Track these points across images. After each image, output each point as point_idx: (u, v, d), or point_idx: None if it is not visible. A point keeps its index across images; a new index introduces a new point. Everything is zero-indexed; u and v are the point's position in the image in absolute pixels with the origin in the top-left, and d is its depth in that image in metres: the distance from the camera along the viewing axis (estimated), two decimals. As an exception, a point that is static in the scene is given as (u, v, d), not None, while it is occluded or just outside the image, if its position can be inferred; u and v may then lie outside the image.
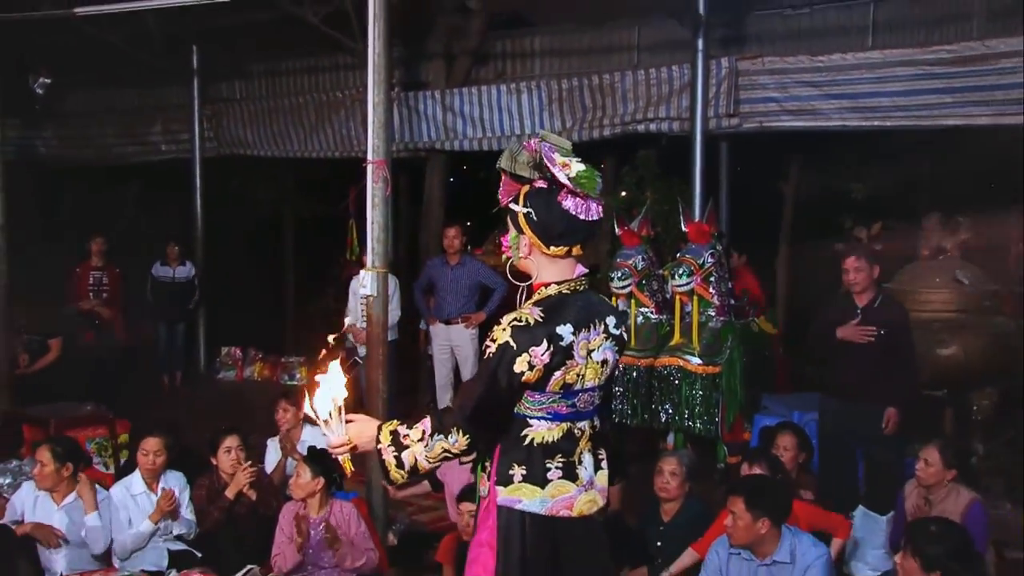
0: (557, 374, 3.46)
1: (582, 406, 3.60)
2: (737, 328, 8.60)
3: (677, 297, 8.53)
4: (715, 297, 8.44)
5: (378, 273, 6.91)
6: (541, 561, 3.56)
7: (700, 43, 9.69)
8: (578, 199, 3.50)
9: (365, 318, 7.18)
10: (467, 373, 9.76)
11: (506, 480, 3.55)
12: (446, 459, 3.52)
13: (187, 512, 6.72)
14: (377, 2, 6.90)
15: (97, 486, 6.77)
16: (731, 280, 8.82)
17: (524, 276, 3.71)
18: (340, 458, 3.63)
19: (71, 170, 15.43)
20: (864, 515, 6.76)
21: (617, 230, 9.16)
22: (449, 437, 3.42)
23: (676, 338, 8.59)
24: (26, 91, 12.32)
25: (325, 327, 10.23)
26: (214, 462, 6.86)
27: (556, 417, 3.56)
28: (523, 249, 3.64)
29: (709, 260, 8.40)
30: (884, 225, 10.27)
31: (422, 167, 12.55)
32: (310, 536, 6.17)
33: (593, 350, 3.55)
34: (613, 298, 8.92)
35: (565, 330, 3.44)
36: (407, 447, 3.47)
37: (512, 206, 3.64)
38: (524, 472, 3.54)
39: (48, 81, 12.95)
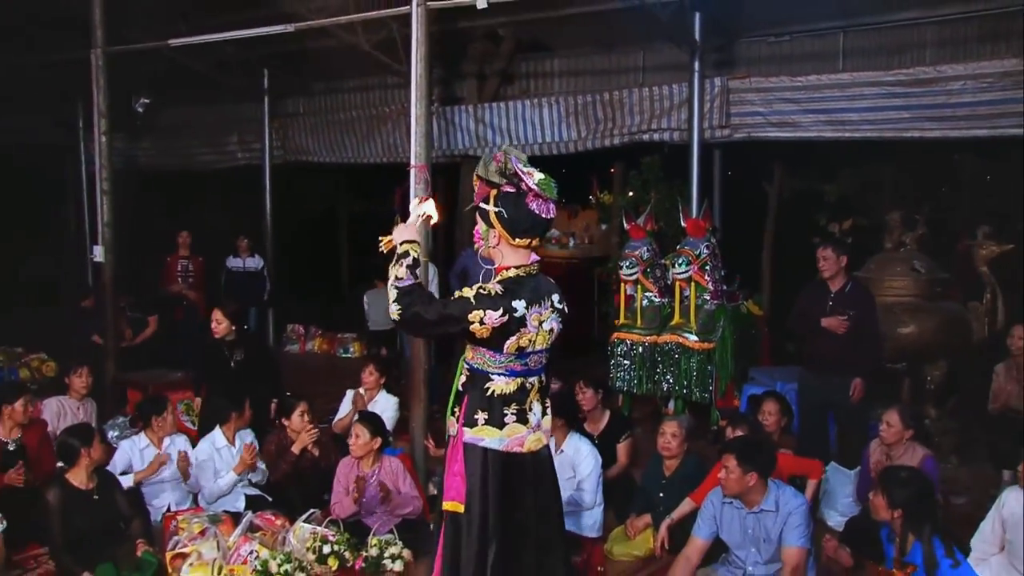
0: (512, 339, 3.86)
1: (532, 365, 4.03)
2: (729, 310, 8.64)
3: (677, 283, 8.55)
4: (710, 283, 8.47)
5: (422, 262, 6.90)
6: (499, 485, 3.97)
7: (696, 65, 9.68)
8: (540, 200, 3.91)
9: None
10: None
11: (472, 423, 3.98)
12: (391, 298, 3.84)
13: (259, 463, 6.80)
14: (420, 31, 6.91)
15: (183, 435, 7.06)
16: (723, 268, 8.79)
17: (490, 261, 4.10)
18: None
19: (164, 175, 15.50)
20: (835, 470, 6.89)
21: (625, 225, 9.19)
22: (395, 304, 3.81)
23: (676, 319, 8.61)
24: (129, 110, 12.46)
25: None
26: (285, 423, 6.91)
27: (512, 373, 3.98)
28: (492, 240, 4.00)
29: (704, 251, 8.45)
30: (854, 222, 10.25)
31: (457, 171, 12.57)
32: (365, 489, 6.21)
33: (543, 321, 3.95)
34: (622, 283, 8.94)
35: (519, 304, 3.83)
36: (398, 265, 3.88)
37: (484, 205, 4.00)
38: (486, 417, 3.96)
39: (147, 101, 13.11)
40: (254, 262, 11.63)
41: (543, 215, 3.92)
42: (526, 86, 12.35)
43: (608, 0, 9.94)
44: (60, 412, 7.65)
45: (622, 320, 9.03)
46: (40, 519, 5.75)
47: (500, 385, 3.98)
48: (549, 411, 4.18)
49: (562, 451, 6.36)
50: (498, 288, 3.84)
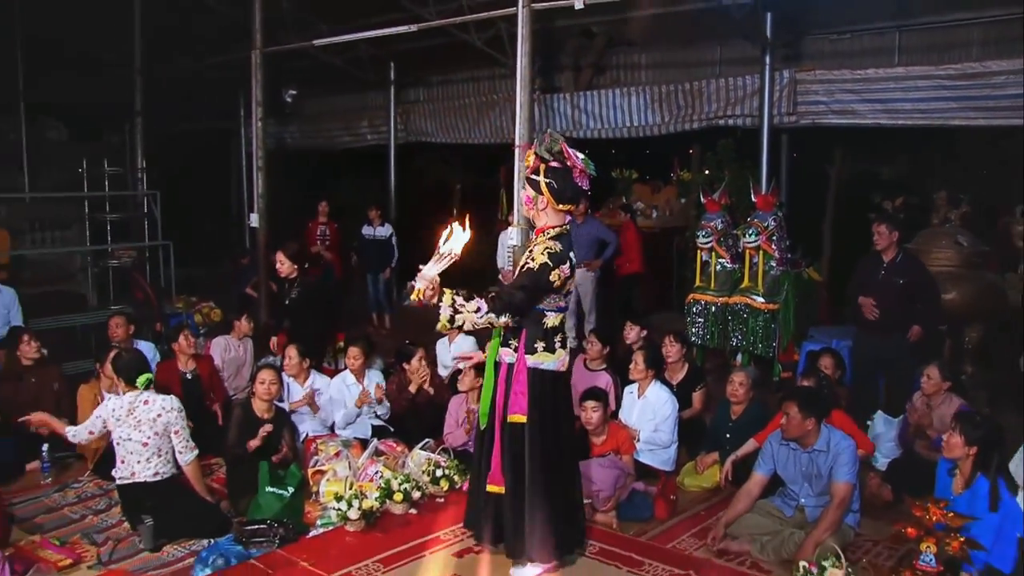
0: (568, 283, 4.39)
1: (567, 303, 4.55)
2: (792, 276, 8.50)
3: (747, 251, 8.45)
4: (776, 252, 8.34)
5: (521, 229, 6.95)
6: (552, 399, 4.46)
7: (767, 59, 9.51)
8: (582, 176, 4.36)
9: (511, 263, 7.21)
10: (587, 305, 9.74)
11: (532, 351, 4.40)
12: (489, 325, 4.26)
13: (384, 400, 6.95)
14: (524, 29, 6.92)
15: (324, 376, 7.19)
16: (788, 239, 8.65)
17: (532, 223, 4.59)
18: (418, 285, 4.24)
19: (307, 154, 15.82)
20: (881, 417, 6.77)
21: (702, 199, 9.09)
22: (500, 317, 4.21)
23: (745, 282, 8.52)
24: (280, 100, 12.72)
25: (481, 268, 10.31)
26: (405, 366, 7.02)
27: (559, 310, 4.47)
28: (541, 204, 4.39)
29: (772, 224, 8.31)
30: (904, 200, 10.03)
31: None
32: (469, 412, 6.36)
33: (574, 267, 4.46)
34: (699, 251, 8.88)
35: (571, 255, 4.38)
36: (460, 313, 4.16)
37: (535, 176, 4.37)
38: (543, 345, 4.41)
39: (294, 92, 13.42)
40: (384, 230, 11.74)
41: (583, 186, 4.40)
42: (616, 76, 12.23)
43: (689, 1, 9.81)
44: (226, 348, 7.93)
45: (698, 283, 8.97)
46: (217, 434, 6.17)
47: (552, 319, 4.44)
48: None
49: (645, 396, 6.37)
50: (556, 245, 4.29)
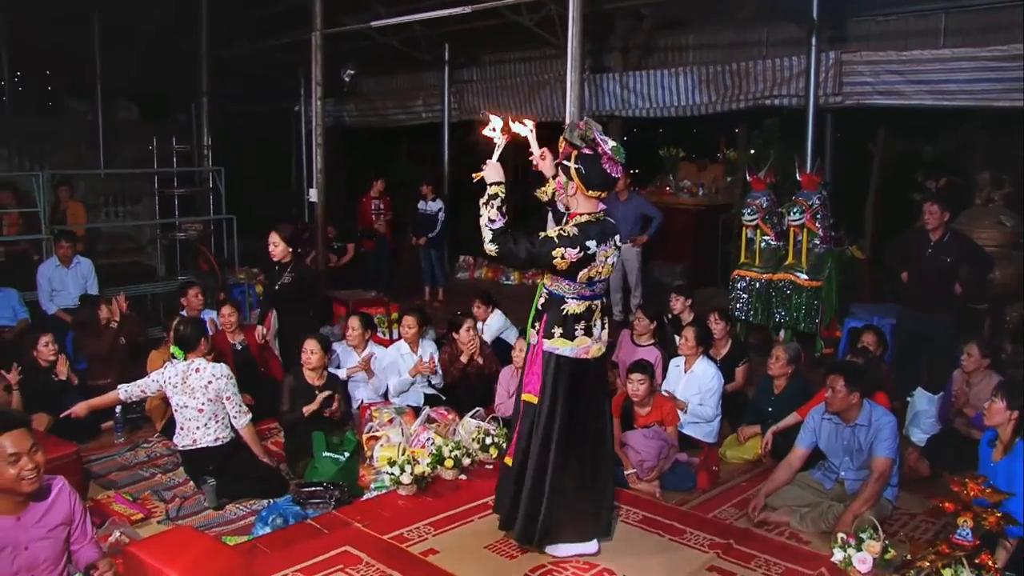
0: (584, 271, 4.15)
1: (598, 290, 4.35)
2: (835, 253, 8.40)
3: (791, 229, 8.34)
4: (820, 230, 8.24)
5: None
6: (568, 385, 4.29)
7: (813, 40, 9.28)
8: (612, 163, 4.18)
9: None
10: (633, 279, 9.69)
11: (549, 335, 4.28)
12: (485, 233, 4.10)
13: (438, 370, 6.97)
14: (575, 10, 6.85)
15: (379, 346, 7.27)
16: (831, 217, 8.50)
17: (562, 209, 4.49)
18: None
19: (364, 131, 15.87)
20: (921, 394, 6.67)
21: (748, 178, 9.02)
22: (490, 244, 4.08)
23: (789, 259, 8.43)
24: (338, 79, 12.79)
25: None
26: (455, 336, 7.03)
27: (582, 297, 4.28)
28: (571, 190, 4.25)
29: (816, 202, 8.20)
30: (948, 180, 9.85)
31: (605, 129, 12.42)
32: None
33: (608, 256, 4.24)
34: (744, 228, 8.78)
35: (591, 243, 4.12)
36: (488, 206, 4.11)
37: (566, 163, 4.22)
38: (561, 331, 4.26)
39: (352, 72, 13.42)
40: (435, 205, 11.77)
41: (613, 175, 4.20)
42: (664, 57, 12.10)
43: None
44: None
45: (743, 259, 8.88)
46: (273, 401, 6.24)
47: (573, 306, 4.26)
48: (607, 325, 4.46)
49: (692, 371, 6.34)
50: (574, 230, 4.11)
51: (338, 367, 6.90)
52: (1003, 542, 4.21)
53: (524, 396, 4.38)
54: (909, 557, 4.13)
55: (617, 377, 6.89)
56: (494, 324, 7.90)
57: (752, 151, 11.41)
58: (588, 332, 4.30)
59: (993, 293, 7.96)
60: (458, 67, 14.11)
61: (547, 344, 4.28)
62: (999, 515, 3.94)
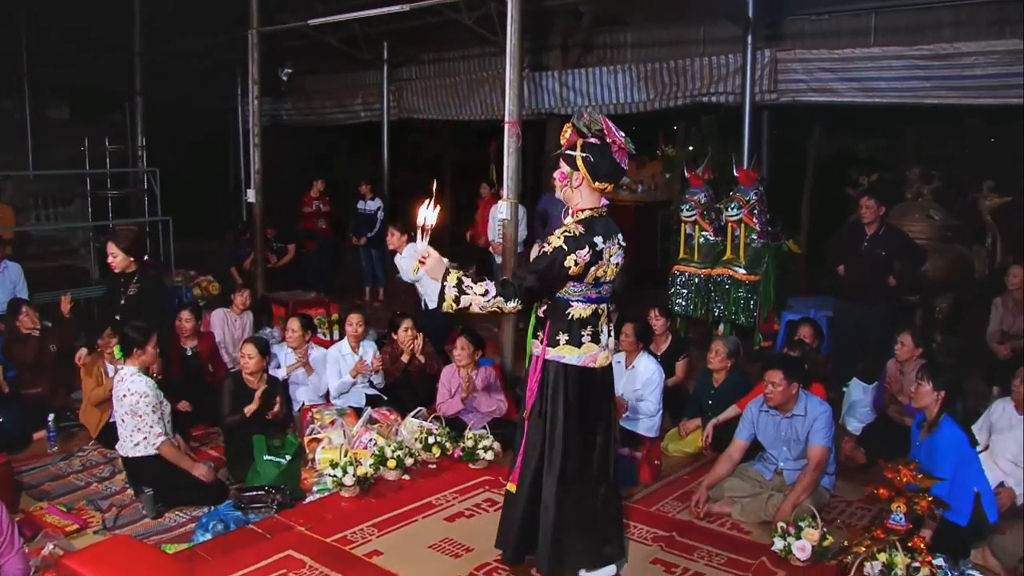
0: (592, 270, 3.78)
1: (604, 292, 3.94)
2: (772, 248, 8.54)
3: (729, 224, 8.48)
4: (757, 225, 8.38)
5: (511, 203, 6.91)
6: (576, 395, 3.91)
7: (749, 38, 9.39)
8: (621, 153, 3.85)
9: (502, 235, 7.18)
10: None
11: (554, 343, 3.90)
12: (498, 311, 3.71)
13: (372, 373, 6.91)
14: (514, 8, 6.83)
15: (320, 347, 7.16)
16: (768, 212, 8.63)
17: (561, 203, 4.10)
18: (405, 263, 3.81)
19: (302, 131, 15.72)
20: (856, 384, 6.80)
21: (686, 174, 9.13)
22: (508, 302, 3.65)
23: (728, 254, 8.55)
24: (275, 78, 12.62)
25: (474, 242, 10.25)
26: (395, 336, 6.99)
27: (588, 300, 3.89)
28: (576, 181, 3.88)
29: (753, 197, 8.34)
30: (880, 175, 10.09)
31: (544, 127, 12.52)
32: (469, 377, 6.39)
33: (612, 255, 3.87)
34: (683, 224, 8.88)
35: (599, 240, 3.78)
36: (467, 295, 3.63)
37: (571, 152, 3.87)
38: (567, 338, 3.88)
39: (289, 70, 13.29)
40: (373, 204, 11.69)
41: (622, 165, 3.89)
42: (603, 55, 12.14)
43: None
44: (224, 321, 7.89)
45: (681, 255, 8.98)
46: (217, 406, 6.08)
47: (579, 310, 3.87)
48: (612, 331, 4.10)
49: (633, 367, 6.38)
50: (579, 228, 3.76)
51: (278, 369, 6.82)
52: (929, 521, 4.36)
53: (526, 412, 4.02)
54: (846, 543, 4.23)
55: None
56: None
57: (690, 148, 11.53)
58: (595, 339, 3.93)
59: (924, 285, 8.18)
60: (397, 65, 14.02)
61: (551, 353, 3.91)
62: (930, 499, 4.06)
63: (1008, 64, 8.25)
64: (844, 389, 6.89)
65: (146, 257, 6.85)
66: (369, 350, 6.93)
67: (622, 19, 11.81)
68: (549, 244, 3.77)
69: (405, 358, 6.90)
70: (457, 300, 3.65)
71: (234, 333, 7.86)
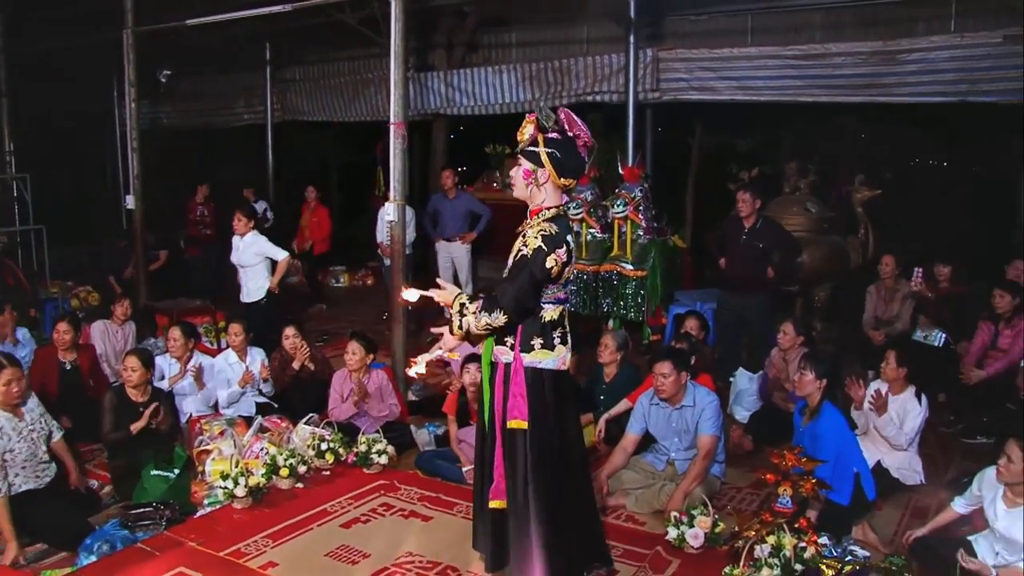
0: (567, 270, 3.74)
1: (568, 292, 3.89)
2: (658, 243, 8.62)
3: (615, 221, 8.52)
4: (643, 221, 8.45)
5: (398, 204, 6.86)
6: (554, 401, 3.81)
7: (631, 38, 9.55)
8: (585, 149, 3.81)
9: (389, 237, 7.12)
10: (464, 276, 9.68)
11: (528, 349, 3.76)
12: (488, 328, 3.67)
13: (260, 378, 6.74)
14: (397, 8, 6.77)
15: (205, 355, 6.95)
16: (654, 208, 8.78)
17: (522, 203, 3.91)
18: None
19: (183, 134, 15.25)
20: (742, 374, 7.00)
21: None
22: (493, 316, 3.61)
23: (615, 251, 8.60)
24: (154, 80, 12.21)
25: (361, 244, 10.16)
26: (285, 342, 6.86)
27: (558, 301, 3.81)
28: (542, 178, 3.76)
29: (639, 194, 8.41)
30: (759, 170, 10.39)
31: (429, 127, 12.50)
32: (360, 381, 6.30)
33: (572, 253, 3.79)
34: (570, 222, 8.92)
35: (570, 238, 3.74)
36: (465, 316, 3.68)
37: (533, 148, 3.77)
38: (541, 342, 3.76)
39: (169, 72, 12.82)
40: (259, 206, 11.46)
41: (586, 159, 3.84)
42: (488, 55, 12.20)
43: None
44: (105, 332, 7.56)
45: (570, 252, 9.01)
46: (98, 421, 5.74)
47: (550, 312, 3.78)
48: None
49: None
50: (553, 227, 3.67)
51: (162, 379, 6.57)
52: (814, 503, 4.53)
53: (511, 423, 3.78)
54: (737, 528, 4.34)
55: (452, 373, 6.93)
56: (250, 239, 7.87)
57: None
58: (564, 340, 3.84)
59: (802, 275, 8.46)
60: (281, 67, 13.79)
61: (527, 359, 3.76)
62: (814, 482, 4.21)
63: (873, 64, 8.66)
64: (731, 379, 7.06)
65: None
66: (257, 358, 6.76)
67: (506, 19, 11.87)
68: (526, 246, 3.67)
69: (296, 365, 6.76)
70: (461, 325, 3.70)
71: (116, 345, 7.55)
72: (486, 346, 3.90)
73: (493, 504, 3.87)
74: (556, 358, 3.80)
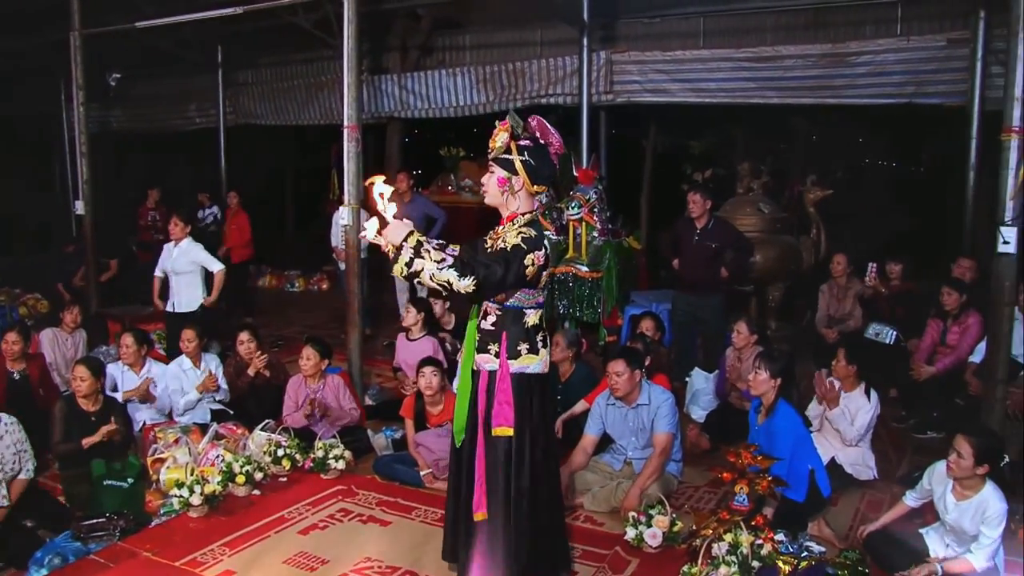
0: (544, 274, 3.73)
1: (544, 296, 3.89)
2: (613, 245, 8.66)
3: (571, 223, 8.55)
4: (598, 223, 8.49)
5: (353, 208, 6.81)
6: (539, 404, 3.80)
7: (585, 41, 9.61)
8: (556, 156, 3.82)
9: (344, 241, 7.08)
10: (421, 281, 9.62)
11: (515, 355, 3.74)
12: (442, 286, 3.49)
13: (221, 382, 6.66)
14: (350, 10, 6.74)
15: (159, 362, 6.85)
16: (608, 210, 8.82)
17: (494, 209, 3.90)
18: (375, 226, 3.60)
19: (133, 139, 15.08)
20: (698, 373, 7.04)
21: (527, 175, 9.11)
22: (463, 279, 3.47)
23: (570, 252, 8.63)
24: (103, 83, 12.04)
25: (317, 248, 10.07)
26: (239, 348, 6.77)
27: (538, 305, 3.82)
28: (517, 185, 3.76)
29: (593, 196, 8.46)
30: (713, 171, 10.48)
31: (383, 130, 12.44)
32: (311, 400, 6.20)
33: (549, 257, 3.77)
34: (544, 227, 8.92)
35: (546, 242, 3.72)
36: (423, 258, 3.48)
37: (507, 156, 3.76)
38: (527, 347, 3.75)
39: (118, 75, 12.65)
40: (212, 211, 11.32)
41: (556, 166, 3.86)
42: (442, 58, 12.20)
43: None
44: (55, 341, 7.41)
45: (525, 254, 9.00)
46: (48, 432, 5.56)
47: (532, 317, 3.78)
48: None
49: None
50: (531, 230, 3.67)
51: (115, 389, 6.45)
52: (770, 500, 4.57)
53: (496, 431, 3.71)
54: (695, 527, 4.37)
55: (406, 377, 6.90)
56: (186, 246, 7.70)
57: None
58: (545, 343, 3.86)
59: (756, 275, 8.54)
60: (234, 70, 13.65)
61: (515, 365, 3.73)
62: (770, 479, 4.25)
63: (824, 66, 8.82)
64: (687, 379, 7.11)
65: None
66: (211, 364, 6.68)
67: (460, 22, 11.87)
68: (506, 243, 3.65)
69: (251, 371, 6.67)
70: (410, 264, 3.48)
71: (66, 353, 7.40)
72: (466, 355, 3.90)
73: (478, 517, 3.78)
74: (540, 361, 3.80)
